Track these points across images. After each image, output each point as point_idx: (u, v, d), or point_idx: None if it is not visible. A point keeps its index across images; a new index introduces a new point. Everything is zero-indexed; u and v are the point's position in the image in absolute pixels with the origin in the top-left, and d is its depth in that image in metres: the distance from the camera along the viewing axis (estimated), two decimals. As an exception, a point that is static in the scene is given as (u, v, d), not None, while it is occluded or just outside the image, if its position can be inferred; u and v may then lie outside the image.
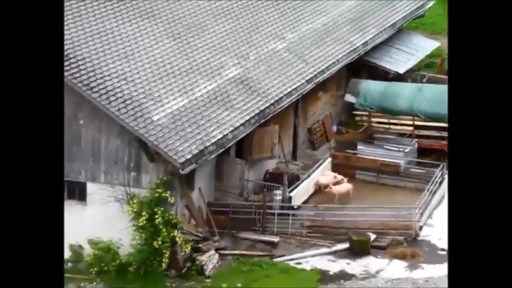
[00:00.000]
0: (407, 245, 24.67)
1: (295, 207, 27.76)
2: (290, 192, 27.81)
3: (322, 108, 34.86)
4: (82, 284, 25.69)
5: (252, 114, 27.81)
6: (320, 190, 29.57)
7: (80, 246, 26.72)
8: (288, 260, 25.60)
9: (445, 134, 29.67)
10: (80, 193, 26.63)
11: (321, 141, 33.72)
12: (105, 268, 26.07)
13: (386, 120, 33.64)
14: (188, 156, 24.35)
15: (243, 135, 27.27)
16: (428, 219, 26.69)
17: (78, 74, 24.83)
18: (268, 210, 27.28)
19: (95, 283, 26.14)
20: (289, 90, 30.63)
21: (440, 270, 22.33)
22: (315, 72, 32.63)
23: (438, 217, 26.73)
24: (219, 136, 26.43)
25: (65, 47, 25.16)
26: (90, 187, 26.34)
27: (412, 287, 22.45)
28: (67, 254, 26.17)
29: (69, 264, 26.93)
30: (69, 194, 26.73)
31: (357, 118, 35.68)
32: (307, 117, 33.60)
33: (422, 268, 23.34)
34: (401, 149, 31.21)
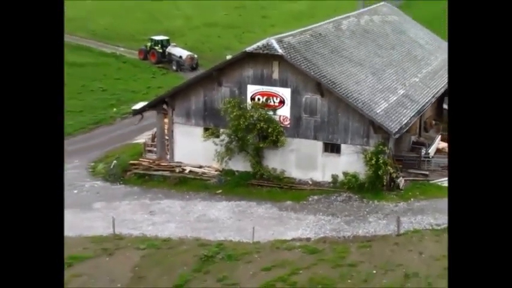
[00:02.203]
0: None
1: (431, 156, 45.12)
2: (428, 150, 45.50)
3: (428, 111, 52.23)
4: (335, 196, 40.54)
5: (414, 112, 45.35)
6: (439, 150, 47.60)
7: (337, 176, 41.84)
8: (436, 181, 41.69)
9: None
10: (337, 149, 42.08)
11: (429, 128, 52.37)
12: (351, 186, 41.25)
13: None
14: (395, 130, 39.98)
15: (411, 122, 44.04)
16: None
17: (339, 89, 40.88)
18: (420, 159, 44.66)
19: (344, 194, 40.85)
20: (426, 100, 49.21)
21: None
22: (434, 93, 51.73)
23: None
24: (405, 121, 42.92)
25: (330, 79, 41.42)
26: (343, 146, 41.59)
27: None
28: (329, 179, 42.48)
29: (331, 184, 42.36)
30: (332, 149, 42.74)
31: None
32: (423, 115, 50.68)
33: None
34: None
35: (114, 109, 61.77)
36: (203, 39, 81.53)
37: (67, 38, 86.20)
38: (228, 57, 58.87)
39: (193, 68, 72.41)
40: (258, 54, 41.55)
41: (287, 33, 45.52)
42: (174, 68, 73.67)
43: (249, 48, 41.96)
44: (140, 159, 47.16)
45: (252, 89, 42.19)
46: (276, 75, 41.65)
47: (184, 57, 73.39)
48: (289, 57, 40.44)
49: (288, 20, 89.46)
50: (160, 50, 75.19)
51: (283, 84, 41.74)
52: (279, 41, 41.87)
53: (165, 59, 74.97)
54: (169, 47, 75.08)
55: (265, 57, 41.12)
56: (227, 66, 43.52)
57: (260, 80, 42.22)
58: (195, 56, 73.84)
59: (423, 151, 44.38)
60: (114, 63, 76.80)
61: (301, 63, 41.30)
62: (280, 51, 40.23)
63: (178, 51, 74.59)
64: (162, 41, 76.34)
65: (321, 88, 40.48)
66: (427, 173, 42.76)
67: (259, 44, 41.92)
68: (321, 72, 41.53)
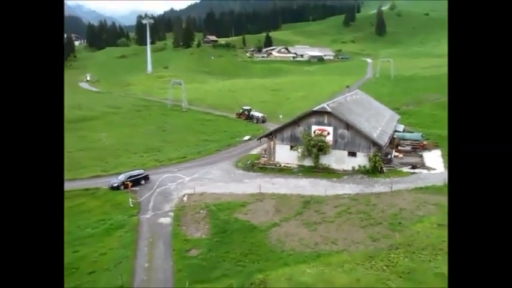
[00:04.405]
0: None
1: (393, 158, 47.96)
2: (392, 155, 46.17)
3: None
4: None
5: (387, 137, 45.86)
6: (395, 156, 47.45)
7: (355, 167, 41.66)
8: (398, 169, 42.61)
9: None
10: (354, 154, 42.50)
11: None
12: (362, 171, 41.34)
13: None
14: (384, 145, 41.92)
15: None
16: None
17: (355, 126, 41.65)
18: (389, 159, 44.23)
19: (359, 175, 41.21)
20: (390, 133, 48.53)
21: None
22: (392, 129, 51.40)
23: None
24: (385, 141, 42.98)
25: (350, 121, 41.94)
26: (358, 153, 42.38)
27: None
28: (350, 169, 42.05)
29: (352, 171, 41.91)
30: (352, 155, 42.56)
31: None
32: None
33: None
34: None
35: (237, 139, 60.46)
36: (262, 107, 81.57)
37: (200, 107, 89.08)
38: (281, 116, 66.75)
39: (263, 121, 72.40)
40: (317, 111, 44.54)
41: (328, 102, 47.24)
42: (255, 121, 73.27)
43: (314, 108, 44.80)
44: (259, 160, 47.75)
45: (314, 128, 43.97)
46: (325, 120, 43.80)
47: (259, 116, 73.86)
48: (331, 112, 43.66)
49: (298, 99, 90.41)
50: (247, 113, 76.71)
51: (329, 124, 43.66)
52: (327, 106, 44.70)
53: (250, 117, 76.40)
54: (252, 111, 76.70)
55: (321, 112, 44.25)
56: (302, 116, 45.16)
57: (318, 123, 43.98)
58: (264, 115, 74.88)
59: (389, 155, 45.57)
60: (224, 120, 77.60)
61: (337, 115, 43.87)
62: (328, 109, 43.77)
63: (256, 113, 75.52)
64: (247, 108, 77.84)
65: (347, 125, 43.19)
66: (393, 166, 44.03)
67: (319, 107, 44.80)
68: (346, 118, 44.14)
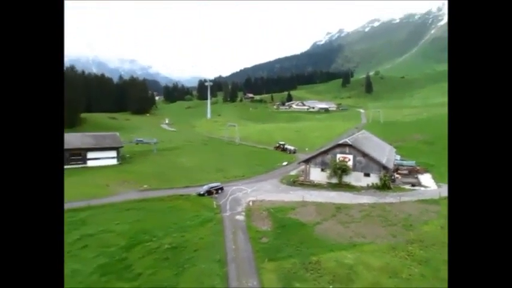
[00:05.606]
0: None
1: (396, 178, 48.48)
2: (395, 176, 44.50)
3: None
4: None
5: (393, 163, 44.22)
6: (397, 177, 45.77)
7: (369, 184, 40.38)
8: (401, 186, 41.47)
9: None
10: (368, 175, 41.07)
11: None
12: (375, 187, 40.04)
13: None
14: (391, 168, 40.86)
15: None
16: None
17: (369, 155, 40.27)
18: (393, 178, 42.23)
19: (373, 190, 39.90)
20: (393, 160, 46.94)
21: None
22: (394, 158, 49.18)
23: None
24: (392, 166, 42.21)
25: (365, 151, 39.95)
26: (371, 174, 40.95)
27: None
28: (365, 185, 39.97)
29: (367, 187, 40.21)
30: (367, 175, 40.87)
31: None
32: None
33: None
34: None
35: (278, 164, 57.61)
36: (291, 142, 79.77)
37: (247, 142, 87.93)
38: (307, 149, 64.94)
39: (294, 152, 68.80)
40: (341, 144, 44.26)
41: (347, 138, 46.89)
42: (288, 152, 69.60)
43: (339, 142, 44.56)
44: (298, 178, 46.77)
45: (338, 155, 43.61)
46: (347, 150, 43.34)
47: (291, 148, 70.65)
48: (352, 144, 43.42)
49: (315, 137, 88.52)
50: (282, 146, 73.10)
51: (350, 153, 43.11)
52: (348, 140, 44.31)
53: (284, 149, 72.04)
54: (285, 145, 73.37)
55: (343, 145, 43.92)
56: (330, 148, 45.00)
57: (341, 152, 43.58)
58: (295, 148, 71.82)
59: (393, 176, 43.85)
60: (265, 151, 74.51)
61: (356, 146, 43.32)
62: (349, 142, 43.42)
63: (289, 146, 72.01)
64: (282, 143, 75.75)
65: (364, 154, 42.69)
66: (397, 184, 42.25)
67: (342, 141, 44.56)
68: (362, 149, 43.54)
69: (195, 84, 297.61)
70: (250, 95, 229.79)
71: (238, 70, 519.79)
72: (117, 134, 64.73)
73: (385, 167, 40.91)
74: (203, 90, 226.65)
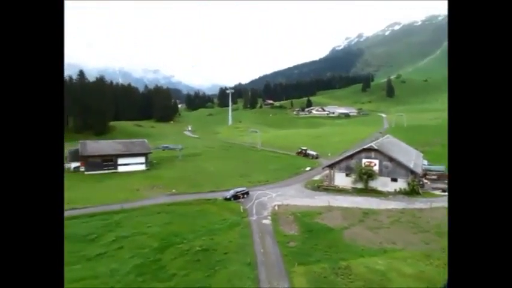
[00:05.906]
0: None
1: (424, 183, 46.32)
2: (423, 181, 42.66)
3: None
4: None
5: (421, 168, 44.27)
6: (425, 182, 43.89)
7: (396, 189, 39.40)
8: (430, 191, 39.62)
9: None
10: (395, 180, 40.16)
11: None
12: (403, 192, 38.90)
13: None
14: (419, 173, 39.64)
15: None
16: None
17: (396, 159, 39.25)
18: (422, 184, 40.67)
19: (401, 196, 38.74)
20: (421, 165, 45.34)
21: None
22: (421, 163, 47.93)
23: None
24: (420, 171, 40.85)
25: (392, 156, 38.93)
26: (398, 179, 39.97)
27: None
28: (393, 190, 39.56)
29: (394, 192, 38.93)
30: (394, 180, 39.96)
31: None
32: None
33: None
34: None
35: (301, 169, 56.98)
36: (313, 147, 78.51)
37: (268, 148, 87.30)
38: (329, 154, 63.64)
39: (317, 158, 67.49)
40: (366, 148, 43.46)
41: (373, 143, 45.93)
42: (311, 157, 68.46)
43: (364, 146, 43.89)
44: (322, 183, 46.27)
45: (364, 160, 42.97)
46: (372, 155, 42.66)
47: (314, 154, 69.41)
48: (378, 149, 42.70)
49: (336, 143, 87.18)
50: (304, 151, 72.10)
51: (375, 158, 42.40)
52: (373, 144, 43.81)
53: (306, 155, 70.96)
54: (308, 150, 71.94)
55: (368, 149, 43.16)
56: (356, 152, 44.26)
57: (366, 157, 42.97)
58: (318, 153, 70.76)
59: (421, 182, 42.52)
60: (288, 156, 72.90)
61: (382, 150, 42.51)
62: (375, 147, 42.86)
63: (311, 151, 71.12)
64: (304, 148, 74.51)
65: (390, 158, 41.83)
66: (426, 189, 41.13)
67: (367, 145, 43.93)
68: (388, 153, 42.71)
69: (216, 92, 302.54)
70: (270, 101, 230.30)
71: (257, 77, 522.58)
72: (146, 140, 67.22)
73: (413, 172, 39.87)
74: (224, 97, 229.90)
